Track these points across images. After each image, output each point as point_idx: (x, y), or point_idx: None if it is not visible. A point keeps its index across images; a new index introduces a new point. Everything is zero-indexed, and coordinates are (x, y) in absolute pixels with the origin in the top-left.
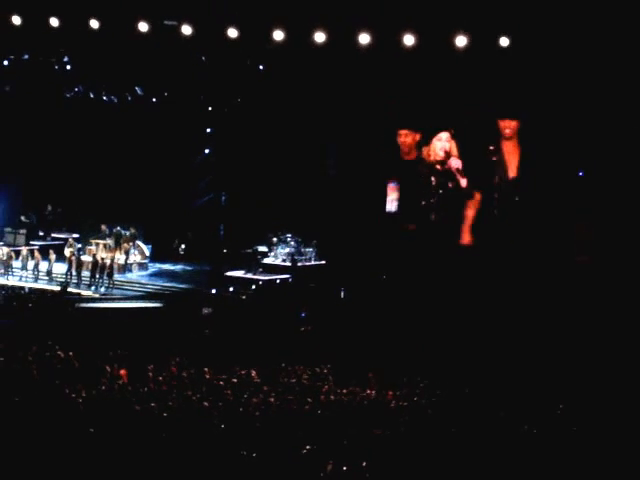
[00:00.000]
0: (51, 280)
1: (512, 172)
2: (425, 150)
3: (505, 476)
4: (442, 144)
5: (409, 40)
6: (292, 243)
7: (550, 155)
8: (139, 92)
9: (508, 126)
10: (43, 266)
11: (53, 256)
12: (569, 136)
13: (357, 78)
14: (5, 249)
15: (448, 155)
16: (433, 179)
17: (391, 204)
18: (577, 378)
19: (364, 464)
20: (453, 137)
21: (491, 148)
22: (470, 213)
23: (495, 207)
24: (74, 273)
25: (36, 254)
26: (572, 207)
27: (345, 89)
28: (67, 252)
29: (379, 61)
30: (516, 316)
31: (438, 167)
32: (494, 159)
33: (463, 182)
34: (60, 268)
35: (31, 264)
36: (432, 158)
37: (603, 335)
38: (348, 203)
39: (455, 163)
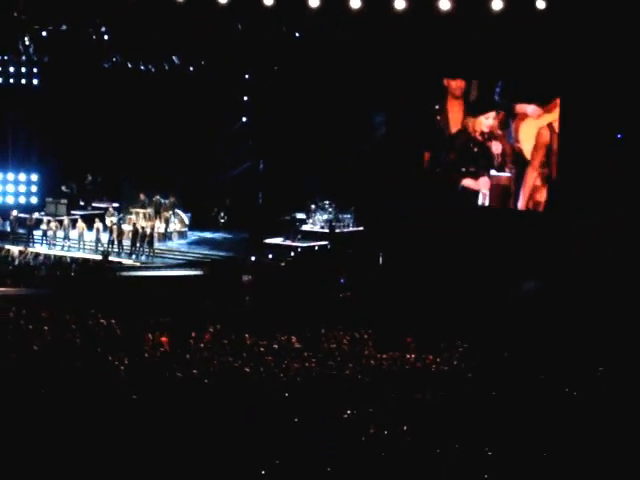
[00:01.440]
0: (94, 249)
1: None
2: (471, 123)
3: (545, 438)
4: (488, 122)
5: (444, 4)
6: (330, 210)
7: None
8: (176, 61)
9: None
10: (87, 236)
11: (99, 224)
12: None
13: (394, 43)
14: (52, 222)
15: (492, 134)
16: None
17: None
18: (615, 340)
19: (405, 428)
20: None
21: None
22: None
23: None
24: (115, 242)
25: (79, 223)
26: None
27: (382, 54)
28: (108, 221)
29: (414, 25)
30: (555, 283)
31: (479, 141)
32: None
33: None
34: (102, 237)
35: (74, 233)
36: (477, 133)
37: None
38: (387, 168)
39: (495, 147)
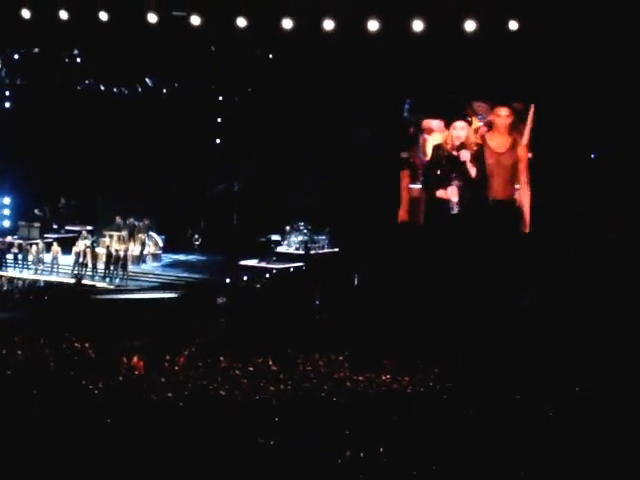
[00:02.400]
0: (70, 273)
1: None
2: (444, 137)
3: (522, 459)
4: (457, 133)
5: (418, 26)
6: (305, 231)
7: (562, 138)
8: (149, 83)
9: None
10: (60, 259)
11: (77, 247)
12: (582, 119)
13: (366, 64)
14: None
15: (462, 145)
16: (447, 166)
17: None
18: (593, 359)
19: (381, 450)
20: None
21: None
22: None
23: None
24: (89, 265)
25: (54, 247)
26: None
27: (355, 76)
28: (81, 244)
29: (388, 47)
30: (531, 300)
31: (454, 155)
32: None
33: (473, 172)
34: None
35: (47, 257)
36: (449, 146)
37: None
38: (360, 192)
39: (464, 155)
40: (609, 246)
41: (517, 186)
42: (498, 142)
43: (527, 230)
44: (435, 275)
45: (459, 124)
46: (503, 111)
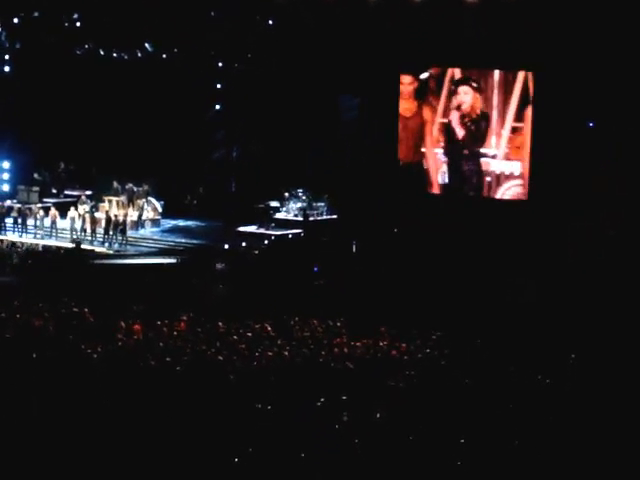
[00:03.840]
0: (69, 237)
1: None
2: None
3: (517, 426)
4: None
5: None
6: (304, 198)
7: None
8: (149, 49)
9: None
10: (59, 223)
11: (74, 212)
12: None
13: (366, 29)
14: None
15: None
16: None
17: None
18: (588, 328)
19: (378, 415)
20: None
21: None
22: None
23: None
24: (88, 230)
25: (52, 211)
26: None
27: (354, 41)
28: (80, 209)
29: (388, 12)
30: (528, 269)
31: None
32: None
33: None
34: (76, 225)
35: (47, 221)
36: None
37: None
38: (359, 156)
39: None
40: (607, 244)
41: (423, 149)
42: (403, 107)
43: (435, 191)
44: (432, 245)
45: None
46: (406, 79)
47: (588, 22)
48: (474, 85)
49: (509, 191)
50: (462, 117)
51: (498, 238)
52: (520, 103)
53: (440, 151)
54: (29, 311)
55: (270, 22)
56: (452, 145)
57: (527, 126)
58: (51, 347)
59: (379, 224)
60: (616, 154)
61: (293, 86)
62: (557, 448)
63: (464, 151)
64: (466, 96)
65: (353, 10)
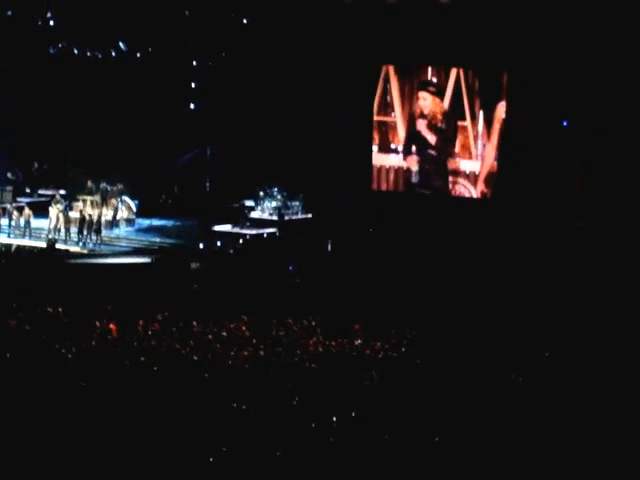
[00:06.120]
0: (44, 237)
1: None
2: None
3: (492, 425)
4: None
5: None
6: (279, 197)
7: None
8: (123, 47)
9: None
10: (33, 223)
11: (52, 212)
12: (556, 85)
13: (341, 29)
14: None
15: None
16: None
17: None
18: (563, 326)
19: (353, 414)
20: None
21: None
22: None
23: None
24: (62, 229)
25: (26, 210)
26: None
27: (328, 40)
28: (54, 209)
29: (362, 11)
30: (504, 267)
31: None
32: None
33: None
34: (50, 224)
35: (21, 221)
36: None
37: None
38: (334, 155)
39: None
40: (577, 236)
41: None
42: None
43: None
44: (408, 242)
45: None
46: None
47: (560, 20)
48: (432, 90)
49: (465, 189)
50: (428, 123)
51: (466, 236)
52: (472, 102)
53: (409, 152)
54: (3, 311)
55: (245, 21)
56: (420, 147)
57: (497, 124)
58: (25, 347)
59: (354, 223)
60: (589, 152)
61: (268, 85)
62: (532, 447)
63: (432, 152)
64: (425, 102)
65: (329, 8)
